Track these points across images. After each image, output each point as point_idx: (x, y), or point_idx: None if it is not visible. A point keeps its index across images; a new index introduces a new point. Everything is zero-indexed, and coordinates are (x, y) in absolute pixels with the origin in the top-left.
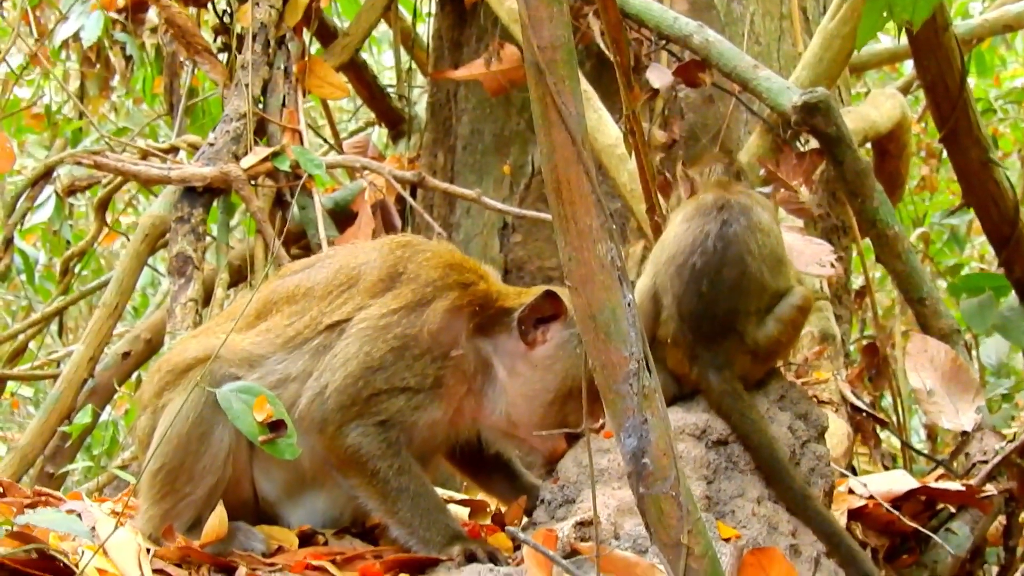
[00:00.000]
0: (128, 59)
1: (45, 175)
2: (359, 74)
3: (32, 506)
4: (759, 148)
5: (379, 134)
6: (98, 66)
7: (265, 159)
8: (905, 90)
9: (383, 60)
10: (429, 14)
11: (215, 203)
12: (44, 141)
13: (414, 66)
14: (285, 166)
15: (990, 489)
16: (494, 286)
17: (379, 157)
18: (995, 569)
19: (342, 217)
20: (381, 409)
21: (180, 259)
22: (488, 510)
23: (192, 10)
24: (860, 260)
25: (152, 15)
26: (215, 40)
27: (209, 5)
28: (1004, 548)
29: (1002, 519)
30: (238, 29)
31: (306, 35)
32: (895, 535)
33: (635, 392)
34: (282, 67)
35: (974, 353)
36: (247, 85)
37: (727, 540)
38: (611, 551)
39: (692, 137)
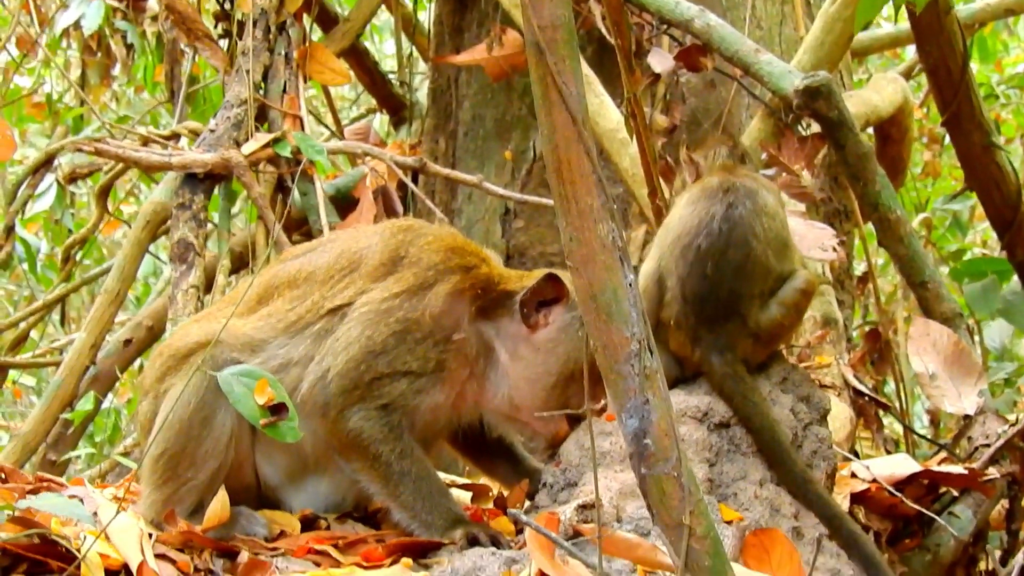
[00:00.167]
0: (129, 47)
1: (46, 163)
2: (360, 60)
3: (34, 492)
4: (761, 132)
5: (381, 121)
6: (99, 54)
7: (266, 145)
8: (907, 75)
9: (384, 47)
10: (430, 0)
11: (216, 189)
12: (45, 130)
13: (415, 52)
14: (286, 152)
15: (993, 473)
16: (496, 269)
17: (381, 143)
18: (998, 553)
19: (344, 203)
20: (383, 393)
21: (181, 245)
22: (490, 494)
23: None
24: (863, 245)
25: (153, 3)
26: (216, 26)
27: None
28: (1007, 532)
29: (1005, 503)
30: (238, 15)
31: (307, 21)
32: (897, 519)
33: (636, 372)
34: (283, 53)
35: (977, 338)
36: (248, 71)
37: (729, 523)
38: (613, 532)
39: (694, 122)
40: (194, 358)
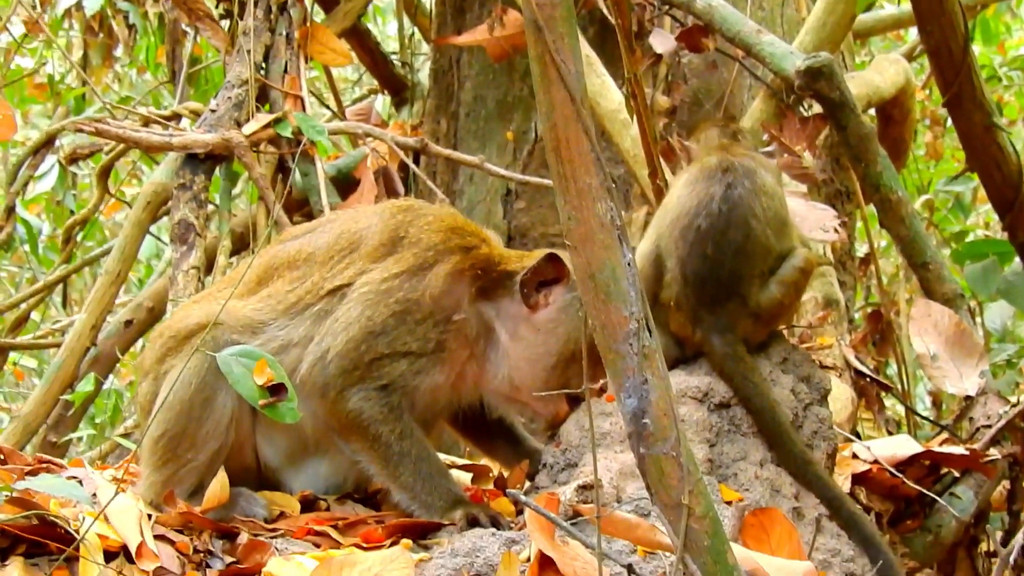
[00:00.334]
0: (131, 28)
1: (46, 143)
2: (362, 41)
3: (33, 473)
4: (762, 113)
5: (383, 102)
6: (101, 35)
7: (267, 125)
8: (909, 56)
9: (386, 28)
10: None
11: (217, 170)
12: (47, 111)
13: (417, 33)
14: (287, 132)
15: (994, 453)
16: (496, 250)
17: (382, 124)
18: (999, 534)
19: (345, 184)
20: (383, 373)
21: (182, 226)
22: (491, 475)
23: None
24: (864, 227)
25: None
26: (217, 7)
27: None
28: (1008, 512)
29: (1006, 483)
30: None
31: (308, 1)
32: (899, 499)
33: (635, 352)
34: (284, 33)
35: (978, 319)
36: (249, 51)
37: (729, 503)
38: (612, 513)
39: (695, 102)
40: (194, 339)
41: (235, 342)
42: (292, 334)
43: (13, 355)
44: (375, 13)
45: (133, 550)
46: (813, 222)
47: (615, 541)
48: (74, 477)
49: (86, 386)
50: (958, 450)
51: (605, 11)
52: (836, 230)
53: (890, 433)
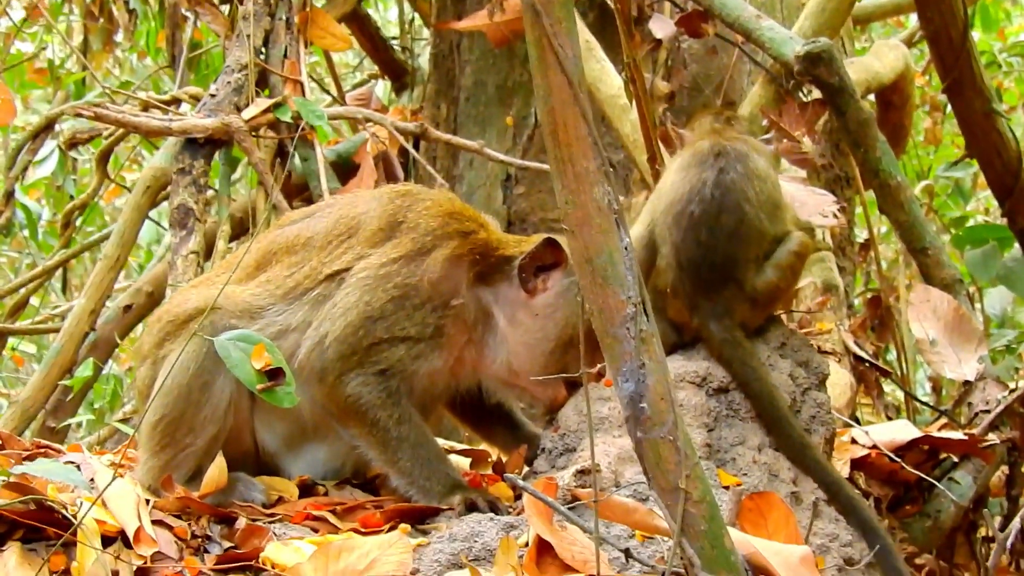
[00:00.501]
0: (131, 13)
1: (46, 128)
2: (362, 26)
3: (31, 458)
4: (762, 98)
5: (384, 88)
6: (101, 20)
7: (267, 110)
8: (909, 42)
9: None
10: None
11: (217, 155)
12: (48, 96)
13: (417, 18)
14: (287, 117)
15: (993, 439)
16: (494, 235)
17: (382, 109)
18: (997, 520)
19: (344, 169)
20: (381, 358)
21: (181, 211)
22: (489, 460)
23: None
24: (864, 213)
25: None
26: None
27: None
28: (1007, 498)
29: (1005, 469)
30: None
31: None
32: (898, 485)
33: (632, 336)
34: (284, 18)
35: (978, 305)
36: (248, 36)
37: (727, 488)
38: (609, 498)
39: (695, 88)
40: (193, 324)
41: (233, 327)
42: (290, 319)
43: (12, 340)
44: None
45: (131, 535)
46: (812, 207)
47: (613, 526)
48: (72, 462)
49: (85, 371)
50: (957, 435)
51: None
52: (835, 215)
53: (889, 418)
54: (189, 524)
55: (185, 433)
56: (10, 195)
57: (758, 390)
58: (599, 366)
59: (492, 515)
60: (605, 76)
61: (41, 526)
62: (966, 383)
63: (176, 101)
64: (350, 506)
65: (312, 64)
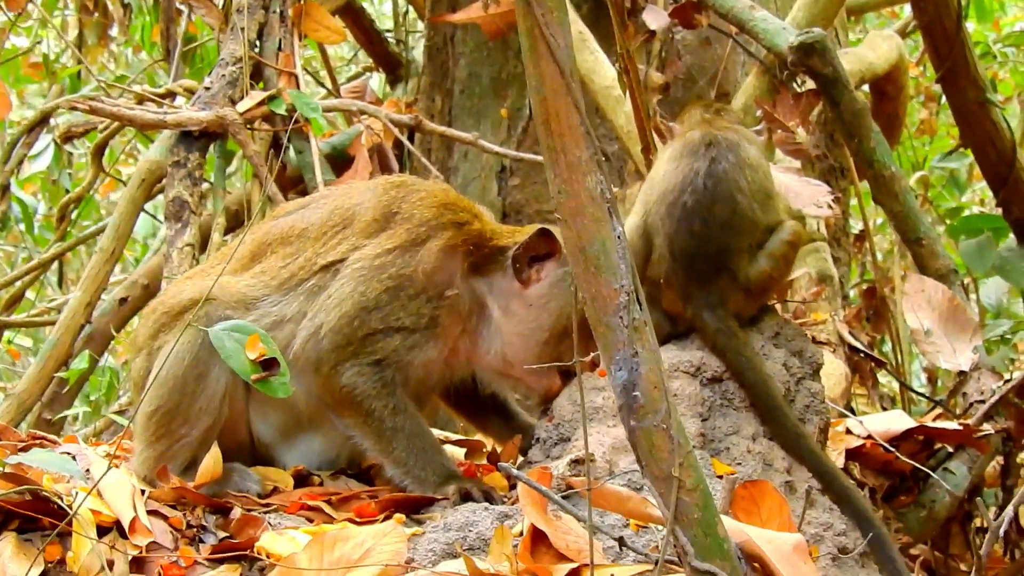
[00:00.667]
0: (126, 7)
1: (41, 122)
2: (356, 18)
3: (26, 449)
4: (756, 89)
5: (379, 81)
6: (96, 14)
7: (261, 103)
8: (903, 33)
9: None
10: None
11: (212, 148)
12: (43, 90)
13: (411, 10)
14: (281, 110)
15: (987, 429)
16: (488, 225)
17: (377, 102)
18: (991, 512)
19: (339, 161)
20: (376, 349)
21: (176, 204)
22: (484, 450)
23: None
24: (859, 204)
25: None
26: None
27: None
28: (1001, 488)
29: (999, 459)
30: None
31: None
32: (893, 475)
33: (625, 324)
34: (278, 11)
35: (973, 296)
36: (243, 29)
37: (721, 477)
38: (603, 486)
39: (689, 79)
40: (188, 315)
41: (228, 317)
42: (285, 310)
43: (8, 334)
44: None
45: (126, 525)
46: (807, 198)
47: (608, 515)
48: (67, 453)
49: (81, 364)
50: (952, 425)
51: None
52: (830, 206)
53: (884, 409)
54: (184, 514)
55: (180, 424)
56: (6, 189)
57: (752, 380)
58: (592, 355)
59: (487, 505)
60: (599, 67)
61: (37, 516)
62: (961, 373)
63: (171, 94)
64: (345, 496)
65: (307, 58)
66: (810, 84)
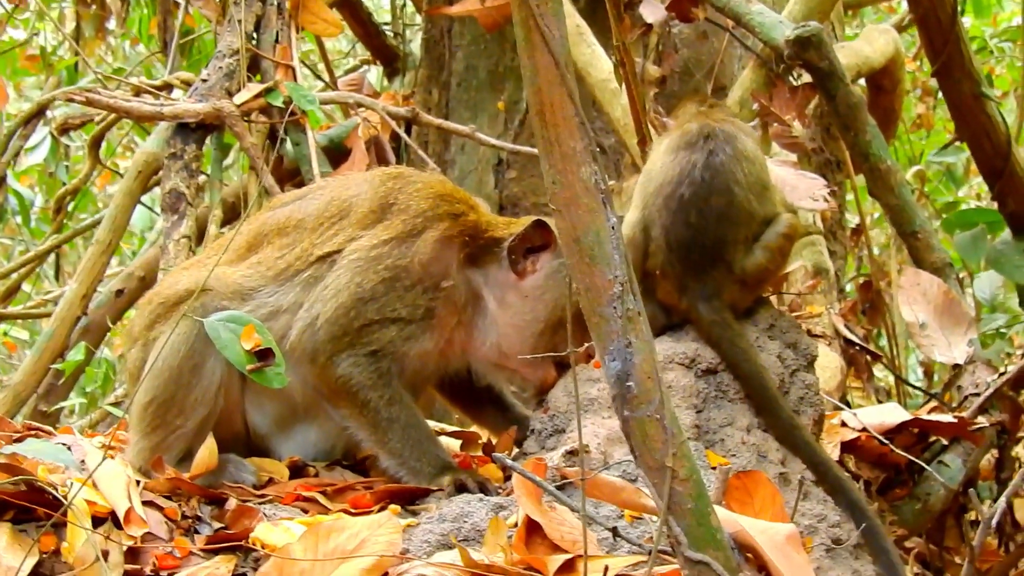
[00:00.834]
0: (124, 0)
1: (38, 114)
2: (353, 11)
3: (21, 440)
4: (752, 82)
5: (376, 73)
6: (93, 7)
7: (258, 95)
8: (899, 27)
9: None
10: None
11: (208, 140)
12: (40, 83)
13: (408, 3)
14: (278, 102)
15: (982, 422)
16: (484, 216)
17: (374, 94)
18: (985, 506)
19: (336, 154)
20: (372, 339)
21: (173, 196)
22: (479, 441)
23: None
24: (855, 197)
25: None
26: None
27: None
28: (996, 481)
29: (994, 452)
30: None
31: None
32: (888, 467)
33: (619, 315)
34: (275, 3)
35: (968, 289)
36: (240, 21)
37: (715, 468)
38: (597, 476)
39: (685, 72)
40: (183, 305)
41: (224, 308)
42: (281, 300)
43: (4, 326)
44: None
45: (121, 516)
46: (803, 191)
47: (603, 506)
48: (63, 443)
49: (77, 355)
50: (946, 418)
51: None
52: (825, 199)
53: (880, 402)
54: (179, 505)
55: (176, 415)
56: (2, 181)
57: (747, 371)
58: (587, 345)
59: (481, 496)
60: (596, 60)
61: (31, 506)
62: (956, 366)
63: (168, 86)
64: (340, 487)
65: (305, 52)
66: (806, 78)
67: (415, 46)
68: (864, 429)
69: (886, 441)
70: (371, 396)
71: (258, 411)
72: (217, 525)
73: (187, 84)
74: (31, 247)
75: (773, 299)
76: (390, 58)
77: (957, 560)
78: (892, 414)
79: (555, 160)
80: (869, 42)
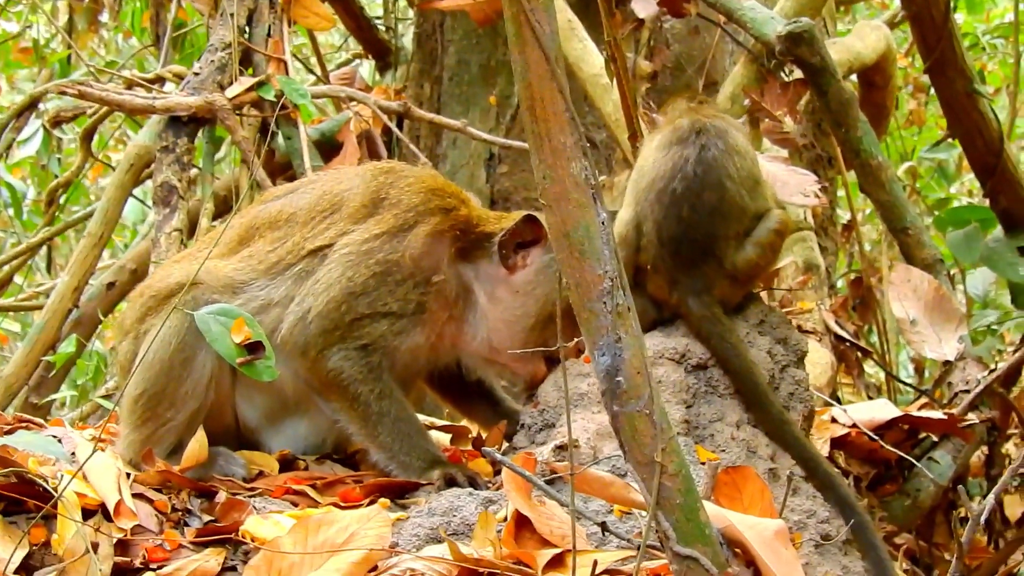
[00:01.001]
0: None
1: (30, 107)
2: (346, 5)
3: (12, 432)
4: (744, 78)
5: (368, 68)
6: (86, 0)
7: (250, 88)
8: (891, 24)
9: None
10: None
11: (200, 133)
12: (32, 75)
13: None
14: (270, 95)
15: (972, 418)
16: (475, 211)
17: (366, 89)
18: (975, 503)
19: (328, 148)
20: (363, 334)
21: (165, 189)
22: (469, 436)
23: None
24: (846, 194)
25: None
26: None
27: None
28: (986, 477)
29: (984, 448)
30: None
31: None
32: (878, 464)
33: (609, 310)
34: None
35: (960, 286)
36: (232, 15)
37: (704, 464)
38: (586, 471)
39: (677, 68)
40: (174, 299)
41: (215, 301)
42: (273, 294)
43: None
44: None
45: (111, 508)
46: (794, 187)
47: (592, 500)
48: (53, 436)
49: (68, 348)
50: (937, 415)
51: None
52: (817, 195)
53: (870, 398)
54: (169, 498)
55: (166, 407)
56: None
57: (737, 367)
58: (576, 340)
59: (471, 490)
60: (587, 55)
61: (21, 499)
62: (946, 363)
63: (160, 80)
64: (330, 480)
65: (297, 46)
66: (798, 74)
67: (407, 40)
68: (854, 425)
69: (876, 437)
70: (362, 390)
71: (248, 404)
72: (207, 518)
73: (179, 77)
74: (23, 239)
75: (764, 295)
76: (382, 52)
77: (946, 556)
78: (882, 410)
79: (545, 155)
80: (861, 38)
